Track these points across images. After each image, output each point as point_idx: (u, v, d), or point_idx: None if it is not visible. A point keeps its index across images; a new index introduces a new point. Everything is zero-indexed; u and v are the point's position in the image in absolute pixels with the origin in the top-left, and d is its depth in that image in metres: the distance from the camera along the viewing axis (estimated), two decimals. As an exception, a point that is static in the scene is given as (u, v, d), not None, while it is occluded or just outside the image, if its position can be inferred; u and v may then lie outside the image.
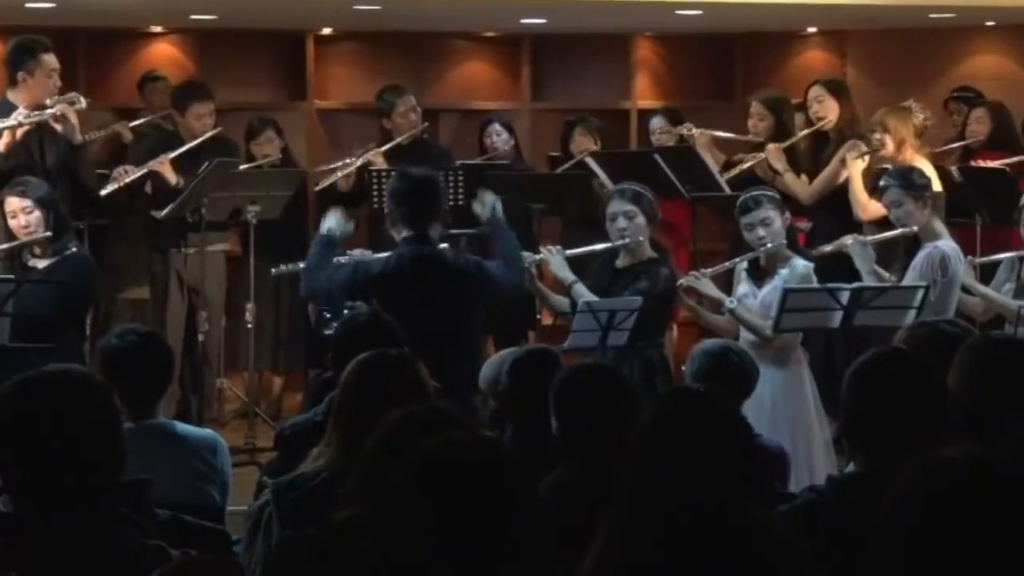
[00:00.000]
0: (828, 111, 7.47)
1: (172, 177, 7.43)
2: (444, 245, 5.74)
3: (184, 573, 2.54)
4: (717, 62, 9.86)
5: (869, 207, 6.95)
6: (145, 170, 7.39)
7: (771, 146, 7.48)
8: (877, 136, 7.06)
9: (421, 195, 5.47)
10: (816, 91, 7.57)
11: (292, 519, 3.38)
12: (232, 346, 7.96)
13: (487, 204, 5.82)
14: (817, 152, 7.50)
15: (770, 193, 6.08)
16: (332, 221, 5.73)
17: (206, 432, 4.40)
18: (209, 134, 7.63)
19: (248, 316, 7.41)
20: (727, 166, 7.66)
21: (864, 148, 7.11)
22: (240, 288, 7.75)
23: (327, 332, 4.64)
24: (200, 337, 7.53)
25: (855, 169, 7.13)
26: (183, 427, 4.31)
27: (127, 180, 7.30)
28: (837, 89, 7.59)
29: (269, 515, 3.49)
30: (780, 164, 7.42)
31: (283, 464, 4.03)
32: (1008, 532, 2.16)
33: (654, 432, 2.67)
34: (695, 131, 7.83)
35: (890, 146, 7.00)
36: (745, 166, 7.50)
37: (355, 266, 5.54)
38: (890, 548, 2.23)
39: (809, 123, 7.58)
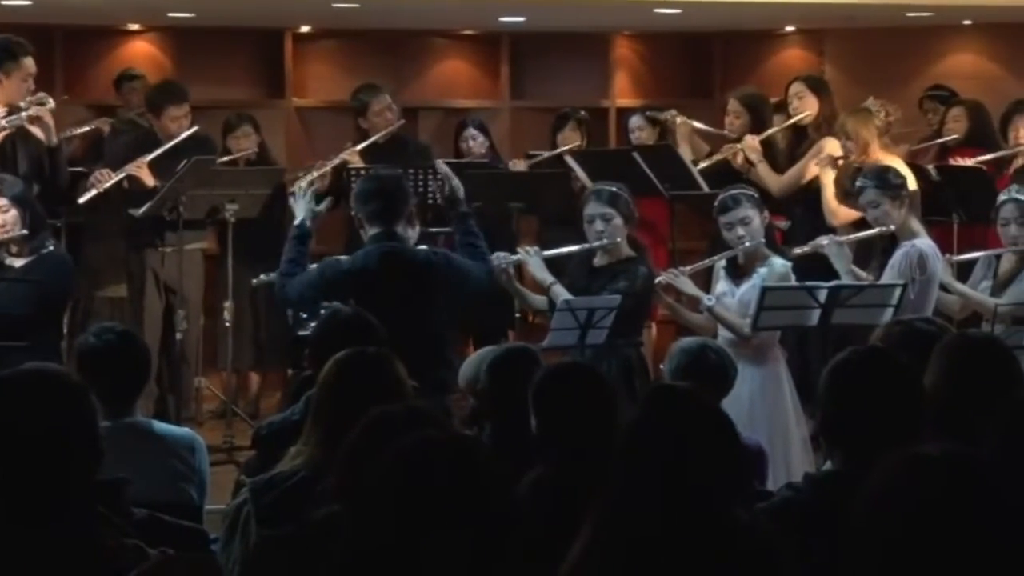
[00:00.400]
0: (807, 107, 7.53)
1: (149, 180, 7.41)
2: (423, 247, 5.75)
3: (162, 572, 2.54)
4: (695, 61, 9.87)
5: (840, 213, 7.02)
6: (123, 175, 7.37)
7: (748, 137, 7.53)
8: (843, 142, 7.11)
9: (387, 194, 5.47)
10: (796, 87, 7.63)
11: (270, 518, 3.38)
12: (210, 345, 7.94)
13: (448, 188, 5.82)
14: (794, 148, 7.55)
15: (749, 192, 6.09)
16: (303, 208, 5.71)
17: (184, 431, 4.39)
18: (185, 134, 7.61)
19: (226, 315, 7.39)
20: (710, 156, 7.71)
21: (831, 156, 7.16)
22: (218, 287, 7.73)
23: (303, 332, 4.63)
24: (178, 336, 7.51)
25: (826, 176, 7.17)
26: (161, 426, 4.30)
27: (106, 186, 7.29)
28: (817, 86, 7.65)
29: (247, 514, 3.49)
30: (755, 155, 7.46)
31: (261, 463, 4.03)
32: (984, 529, 2.17)
33: (641, 430, 2.67)
34: (678, 119, 7.86)
35: (855, 151, 7.03)
36: (720, 156, 7.54)
37: (323, 266, 5.53)
38: (867, 545, 2.23)
39: (789, 120, 7.62)
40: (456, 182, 5.90)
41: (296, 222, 5.74)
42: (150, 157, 7.47)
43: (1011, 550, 2.17)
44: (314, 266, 5.63)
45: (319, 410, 3.58)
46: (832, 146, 7.28)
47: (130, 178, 7.42)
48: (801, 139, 7.55)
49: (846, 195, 6.91)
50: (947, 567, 2.16)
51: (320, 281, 5.43)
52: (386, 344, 4.27)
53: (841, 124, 7.17)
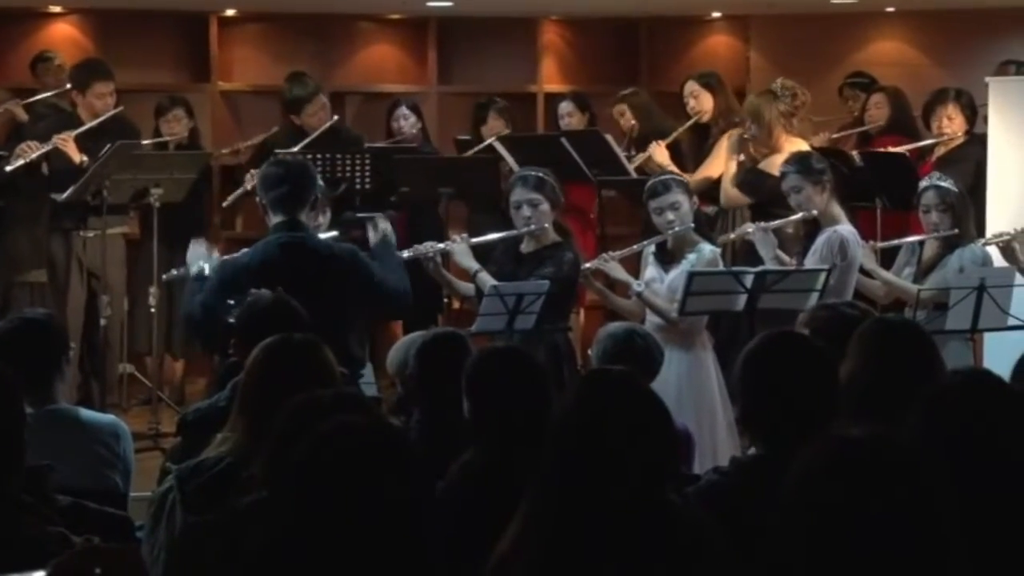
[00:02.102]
0: (703, 105, 7.64)
1: (76, 155, 7.32)
2: (332, 233, 5.68)
3: (83, 561, 2.51)
4: (622, 46, 9.89)
5: (729, 194, 7.20)
6: (50, 146, 7.29)
7: (654, 144, 7.60)
8: (749, 125, 7.17)
9: (292, 180, 5.35)
10: (690, 87, 7.76)
11: (196, 505, 3.35)
12: (134, 330, 7.86)
13: (379, 230, 5.69)
14: (699, 147, 7.64)
15: (679, 177, 6.14)
16: (200, 258, 5.53)
17: (108, 417, 4.35)
18: (111, 113, 7.54)
19: (151, 300, 7.32)
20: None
21: (741, 137, 7.24)
22: (142, 272, 7.65)
23: (229, 319, 4.57)
24: (102, 322, 7.43)
25: (731, 160, 7.27)
26: (84, 412, 4.26)
27: (32, 156, 7.21)
28: (710, 82, 7.76)
29: (173, 501, 3.46)
30: (664, 160, 7.52)
31: (186, 450, 3.99)
32: (906, 509, 2.20)
33: (576, 413, 2.67)
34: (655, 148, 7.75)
35: (760, 133, 7.10)
36: (634, 164, 7.58)
37: (221, 269, 5.40)
38: (792, 527, 2.26)
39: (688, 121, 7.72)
40: (391, 233, 5.76)
41: (193, 271, 5.58)
42: (76, 133, 7.39)
43: (931, 530, 2.20)
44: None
45: (245, 396, 3.55)
46: (739, 136, 7.38)
47: (54, 157, 7.33)
48: (704, 137, 7.65)
49: (740, 185, 7.07)
50: (873, 547, 2.18)
51: (220, 284, 5.28)
52: (309, 329, 4.25)
53: (746, 106, 7.25)
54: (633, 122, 7.90)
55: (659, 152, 7.57)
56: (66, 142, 7.32)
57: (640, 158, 7.62)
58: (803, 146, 6.99)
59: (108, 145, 7.16)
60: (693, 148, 7.70)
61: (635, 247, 6.08)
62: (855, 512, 2.20)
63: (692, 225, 5.89)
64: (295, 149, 7.61)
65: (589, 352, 5.01)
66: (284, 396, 3.16)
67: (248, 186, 7.38)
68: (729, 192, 7.22)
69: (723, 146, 7.43)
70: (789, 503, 2.27)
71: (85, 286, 7.60)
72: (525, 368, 3.60)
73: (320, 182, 5.66)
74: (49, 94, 7.99)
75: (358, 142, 8.07)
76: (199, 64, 9.34)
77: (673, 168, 7.43)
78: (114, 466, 4.10)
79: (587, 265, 5.93)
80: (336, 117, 8.16)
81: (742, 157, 7.23)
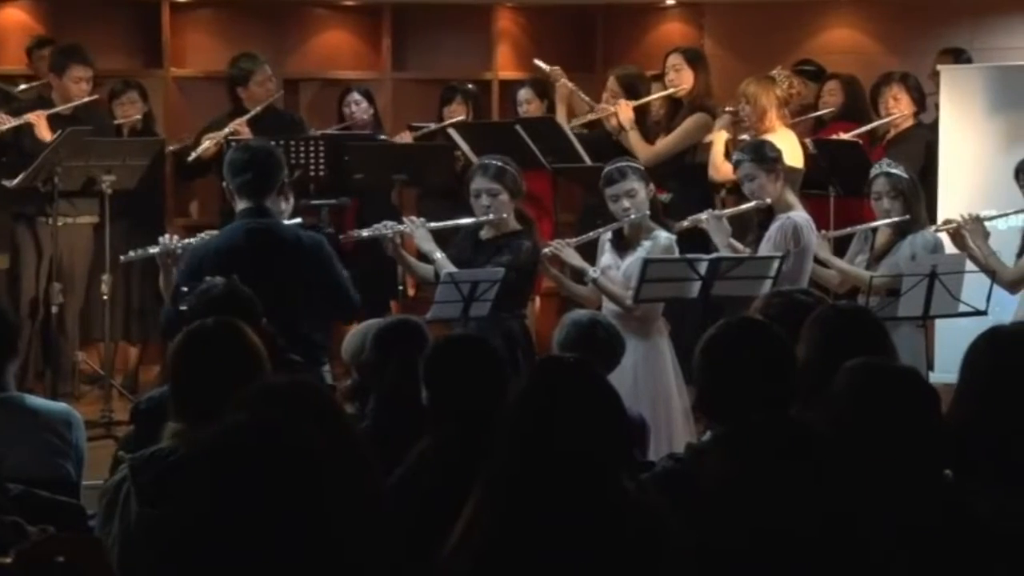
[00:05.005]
0: (683, 80, 7.60)
1: (47, 134, 7.29)
2: (297, 220, 5.66)
3: (45, 549, 2.49)
4: (578, 34, 9.89)
5: (722, 168, 7.18)
6: (21, 121, 7.27)
7: (622, 102, 7.57)
8: (742, 106, 7.18)
9: (258, 165, 5.32)
10: (674, 59, 7.69)
11: (150, 496, 3.32)
12: (87, 317, 7.81)
13: None
14: (670, 119, 7.62)
15: (635, 164, 6.15)
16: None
17: (60, 406, 4.32)
18: (87, 99, 7.53)
19: (104, 287, 7.28)
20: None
21: (731, 115, 7.25)
22: (96, 259, 7.60)
23: (183, 307, 4.55)
24: (54, 309, 7.38)
25: (719, 135, 7.29)
26: (36, 400, 4.23)
27: (2, 128, 7.16)
28: (694, 59, 7.71)
29: (127, 492, 3.43)
30: (628, 122, 7.51)
31: (139, 438, 3.97)
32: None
33: (527, 401, 2.68)
34: (562, 80, 7.85)
35: (752, 116, 7.12)
36: (593, 116, 7.58)
37: (190, 252, 5.37)
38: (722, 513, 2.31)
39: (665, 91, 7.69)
40: None
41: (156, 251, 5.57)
42: (49, 112, 7.38)
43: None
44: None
45: (174, 383, 3.52)
46: (704, 123, 7.38)
47: (23, 136, 7.28)
48: (677, 111, 7.63)
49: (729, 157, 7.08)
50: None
51: (187, 269, 5.27)
52: (261, 316, 4.23)
53: (742, 89, 7.23)
54: (615, 100, 7.77)
55: (624, 110, 7.54)
56: (39, 118, 7.30)
57: (604, 111, 7.60)
58: (791, 134, 7.03)
59: (59, 131, 7.12)
60: (664, 119, 7.65)
61: (591, 234, 6.09)
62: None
63: (648, 212, 5.90)
64: (235, 123, 7.60)
65: (551, 337, 5.00)
66: (210, 380, 3.18)
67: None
68: (721, 167, 7.20)
69: (694, 126, 7.40)
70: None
71: (45, 273, 7.55)
72: (484, 357, 3.60)
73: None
74: (34, 85, 7.97)
75: (301, 126, 8.07)
76: (151, 50, 9.27)
77: (634, 128, 7.44)
78: (66, 454, 4.07)
79: (544, 251, 5.94)
80: (281, 92, 8.13)
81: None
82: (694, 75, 7.59)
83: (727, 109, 7.34)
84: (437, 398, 3.54)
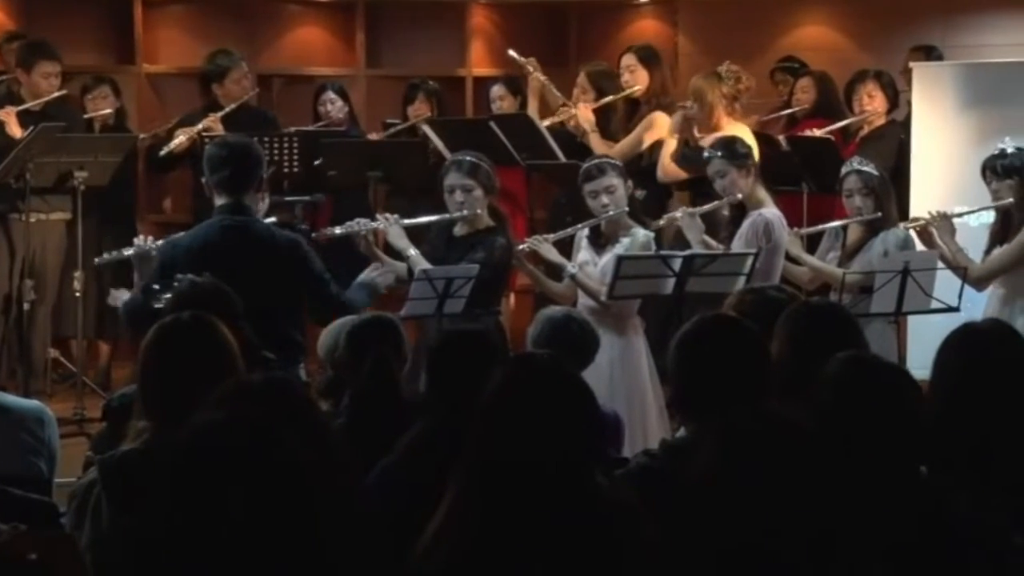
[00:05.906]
0: (638, 80, 7.61)
1: (17, 130, 7.26)
2: (272, 219, 5.65)
3: (18, 547, 2.49)
4: (551, 30, 9.90)
5: (668, 168, 7.24)
6: None
7: (582, 104, 7.59)
8: (691, 104, 7.21)
9: (236, 161, 5.30)
10: (627, 59, 7.71)
11: (121, 499, 3.29)
12: (60, 314, 7.78)
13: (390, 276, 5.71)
14: (630, 119, 7.64)
15: (614, 161, 6.16)
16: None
17: (32, 403, 4.29)
18: (56, 94, 7.50)
19: (76, 284, 7.25)
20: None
21: (685, 115, 7.27)
22: (68, 256, 7.58)
23: (157, 305, 4.53)
24: (26, 306, 7.35)
25: (671, 137, 7.29)
26: (7, 398, 4.20)
27: None
28: (648, 58, 7.71)
29: (98, 495, 3.40)
30: (587, 124, 7.53)
31: (111, 436, 3.95)
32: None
33: (501, 397, 2.68)
34: (536, 72, 7.86)
35: (699, 113, 7.14)
36: (557, 119, 7.59)
37: (162, 249, 5.35)
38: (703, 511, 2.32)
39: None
40: None
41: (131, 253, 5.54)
42: (18, 109, 7.35)
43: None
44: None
45: (143, 380, 3.48)
46: (661, 121, 7.40)
47: None
48: (636, 110, 7.65)
49: (679, 160, 7.11)
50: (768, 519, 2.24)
51: (160, 266, 5.23)
52: (240, 314, 4.21)
53: (691, 86, 7.27)
54: (585, 96, 7.77)
55: (583, 111, 7.55)
56: (9, 115, 7.27)
57: (566, 113, 7.61)
58: (743, 129, 7.04)
59: (31, 127, 7.09)
60: (624, 118, 7.68)
61: (570, 230, 6.09)
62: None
63: (627, 209, 5.92)
64: (208, 119, 7.59)
65: (526, 332, 4.99)
66: (179, 377, 3.18)
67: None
68: (668, 167, 7.25)
69: (651, 125, 7.43)
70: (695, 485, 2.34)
71: (17, 269, 7.52)
72: (490, 352, 3.57)
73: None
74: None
75: (272, 123, 8.06)
76: (124, 46, 9.24)
77: (595, 130, 7.46)
78: (39, 452, 4.05)
79: (521, 246, 5.94)
80: (257, 90, 8.12)
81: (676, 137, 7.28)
82: (648, 74, 7.61)
83: (680, 106, 7.35)
84: (436, 388, 3.50)
